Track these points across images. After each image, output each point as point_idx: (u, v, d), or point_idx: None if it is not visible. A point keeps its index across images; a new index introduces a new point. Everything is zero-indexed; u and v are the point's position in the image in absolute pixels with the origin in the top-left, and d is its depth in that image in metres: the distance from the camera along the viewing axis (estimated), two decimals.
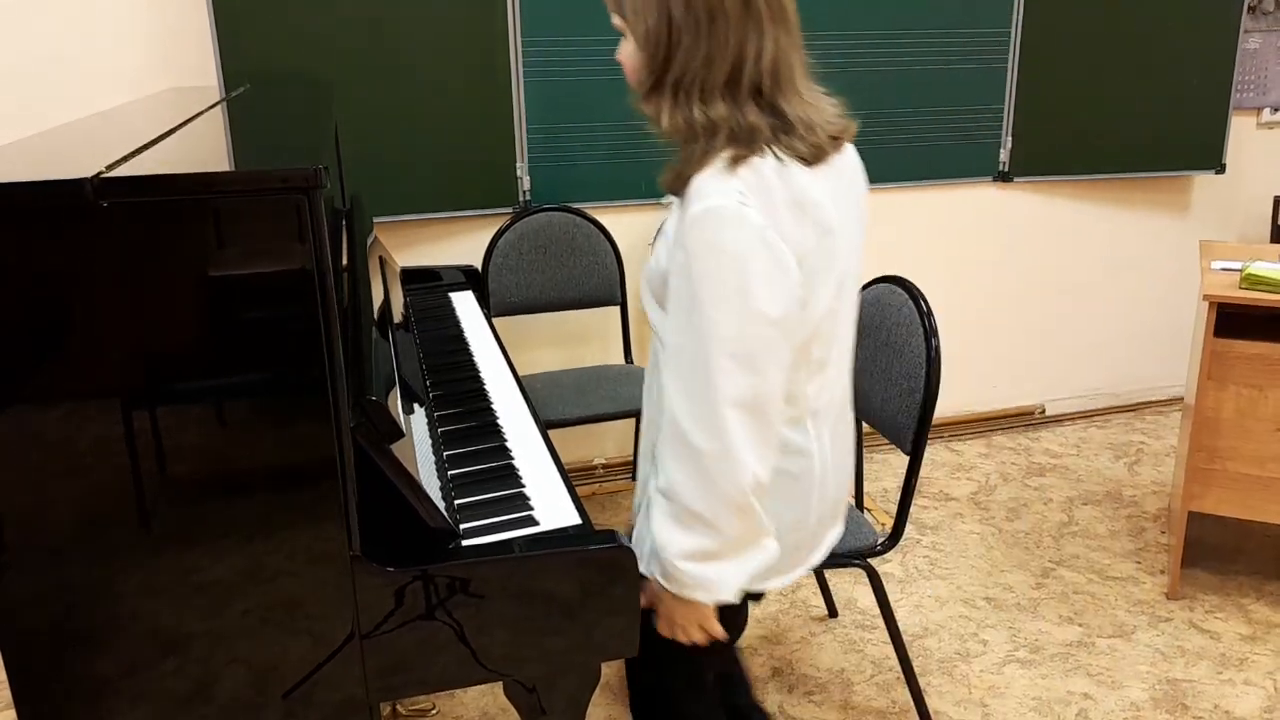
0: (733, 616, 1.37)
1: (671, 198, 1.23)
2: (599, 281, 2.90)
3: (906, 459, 1.88)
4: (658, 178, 1.25)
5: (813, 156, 1.20)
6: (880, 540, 1.90)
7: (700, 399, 1.14)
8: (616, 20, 1.24)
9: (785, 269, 1.15)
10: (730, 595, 1.21)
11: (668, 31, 1.17)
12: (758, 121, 1.18)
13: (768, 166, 1.17)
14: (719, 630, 1.27)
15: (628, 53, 1.23)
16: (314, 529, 1.17)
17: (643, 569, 1.28)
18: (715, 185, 1.14)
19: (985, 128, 3.23)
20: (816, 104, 1.24)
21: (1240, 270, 2.41)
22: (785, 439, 1.27)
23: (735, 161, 1.16)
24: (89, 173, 1.03)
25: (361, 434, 1.19)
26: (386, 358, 1.54)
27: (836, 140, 1.24)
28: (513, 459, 1.55)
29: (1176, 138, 3.39)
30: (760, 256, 1.13)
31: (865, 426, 2.14)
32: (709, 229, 1.12)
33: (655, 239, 1.36)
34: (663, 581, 1.23)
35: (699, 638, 1.27)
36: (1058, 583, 2.62)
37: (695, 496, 1.16)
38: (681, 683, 1.47)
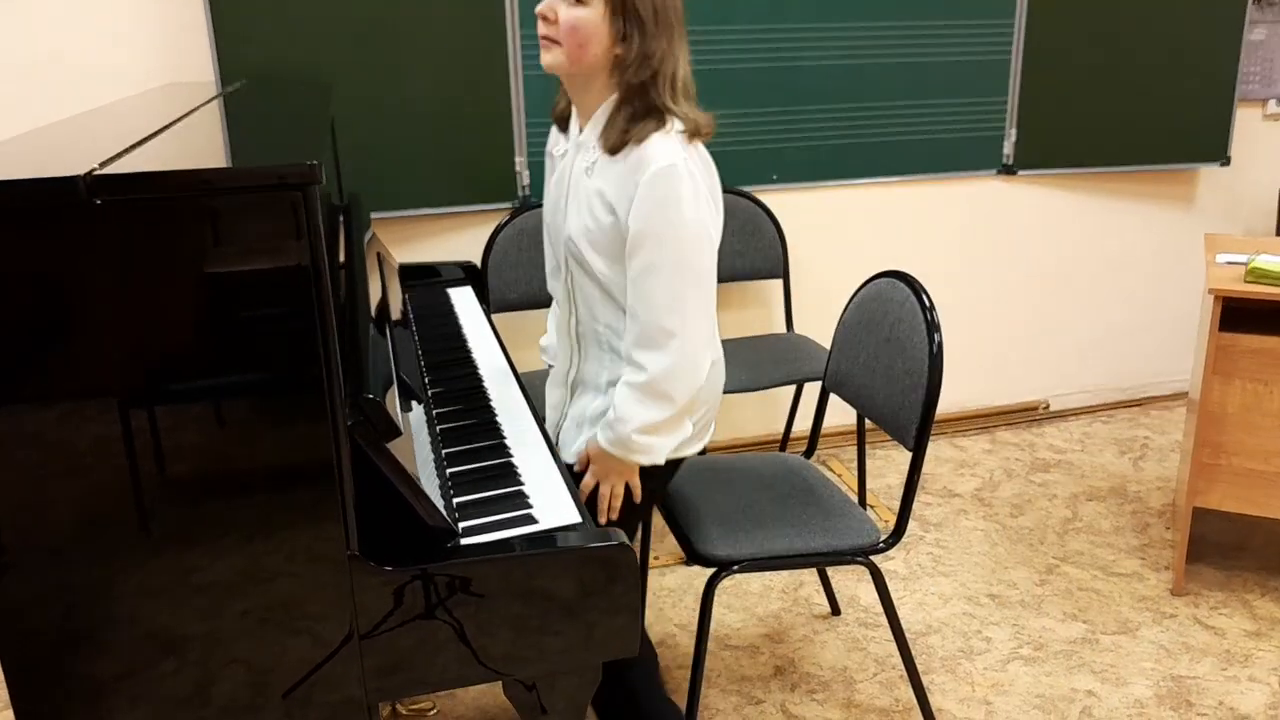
0: (652, 491, 1.73)
1: (588, 163, 1.55)
2: None
3: (909, 455, 1.87)
4: (603, 141, 1.54)
5: (703, 137, 1.57)
6: (883, 537, 1.90)
7: (679, 311, 1.49)
8: None
9: (715, 212, 1.55)
10: (661, 459, 1.60)
11: (656, 16, 1.47)
12: (683, 106, 1.54)
13: (686, 137, 1.52)
14: (637, 486, 1.64)
15: (585, 17, 1.46)
16: (312, 529, 1.17)
17: (576, 450, 1.68)
18: (665, 149, 1.47)
19: (989, 120, 3.21)
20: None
21: (1246, 264, 2.40)
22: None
23: (670, 132, 1.50)
24: (82, 170, 1.03)
25: (359, 433, 1.19)
26: (384, 355, 1.53)
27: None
28: (512, 457, 1.54)
29: (1181, 130, 3.37)
30: (704, 203, 1.51)
31: (868, 422, 2.13)
32: (672, 182, 1.46)
33: (566, 199, 1.64)
34: (612, 449, 1.57)
35: (620, 491, 1.63)
36: (1062, 579, 2.62)
37: (673, 381, 1.52)
38: None
